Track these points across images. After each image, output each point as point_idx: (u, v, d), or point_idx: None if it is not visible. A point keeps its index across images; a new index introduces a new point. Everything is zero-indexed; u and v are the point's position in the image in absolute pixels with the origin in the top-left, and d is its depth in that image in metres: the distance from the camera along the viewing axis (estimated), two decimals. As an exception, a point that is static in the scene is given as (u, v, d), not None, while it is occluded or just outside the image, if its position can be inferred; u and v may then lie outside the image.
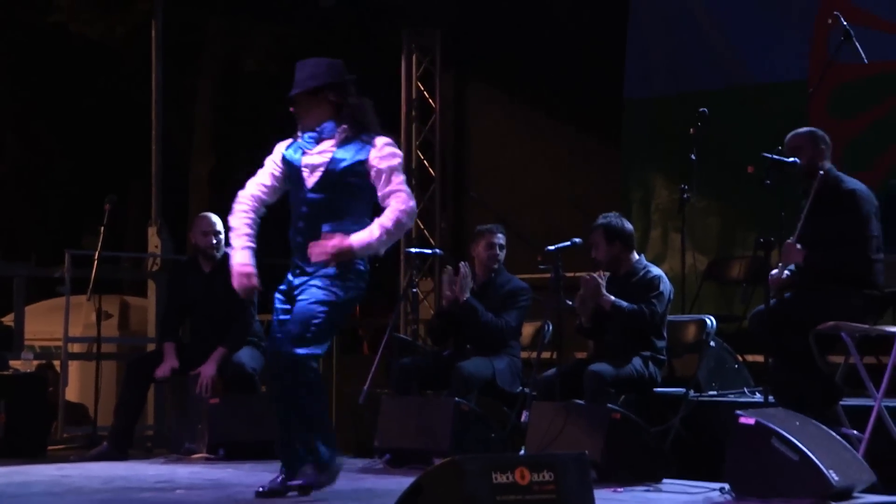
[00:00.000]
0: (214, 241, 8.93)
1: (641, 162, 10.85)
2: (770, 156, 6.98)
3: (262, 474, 6.74)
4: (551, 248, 7.80)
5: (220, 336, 8.78)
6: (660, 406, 7.80)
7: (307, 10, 12.92)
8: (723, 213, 10.22)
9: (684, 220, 9.34)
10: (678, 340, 8.06)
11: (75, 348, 11.72)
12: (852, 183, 7.14)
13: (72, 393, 11.32)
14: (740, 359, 8.36)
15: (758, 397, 7.64)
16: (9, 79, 18.47)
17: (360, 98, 6.42)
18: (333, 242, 6.14)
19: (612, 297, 7.71)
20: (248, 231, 6.40)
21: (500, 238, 8.60)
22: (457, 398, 7.97)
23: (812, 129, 7.34)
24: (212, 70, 16.43)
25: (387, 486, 6.63)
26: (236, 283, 6.36)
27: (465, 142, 12.51)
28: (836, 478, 5.95)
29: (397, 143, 6.51)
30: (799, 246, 7.02)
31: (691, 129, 9.17)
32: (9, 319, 11.31)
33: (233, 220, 6.46)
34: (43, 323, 12.35)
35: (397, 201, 6.21)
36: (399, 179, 6.27)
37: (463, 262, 8.54)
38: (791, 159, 7.00)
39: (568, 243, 7.81)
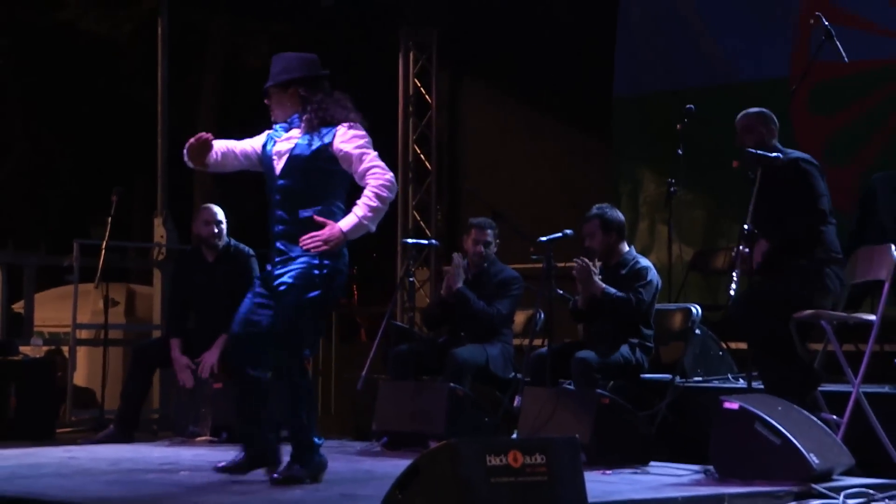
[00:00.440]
0: (216, 231, 8.94)
1: (630, 157, 10.91)
2: (754, 151, 7.04)
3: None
4: (543, 238, 7.83)
5: (224, 323, 8.80)
6: (647, 391, 7.83)
7: (308, 9, 12.96)
8: (708, 206, 10.27)
9: (671, 213, 9.36)
10: (665, 328, 8.09)
11: (83, 334, 11.77)
12: (794, 153, 7.21)
13: (80, 377, 11.39)
14: (724, 346, 8.39)
15: (741, 383, 7.71)
16: (15, 77, 18.45)
17: (332, 93, 6.41)
18: (325, 231, 6.14)
19: (603, 284, 7.75)
20: None
21: (489, 234, 8.63)
22: (451, 383, 8.05)
23: (761, 109, 7.38)
24: (215, 67, 16.48)
25: (384, 468, 6.67)
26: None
27: (460, 137, 12.57)
28: (817, 461, 6.06)
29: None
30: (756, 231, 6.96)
31: (678, 126, 9.20)
32: (19, 307, 11.48)
33: None
34: (52, 310, 12.47)
35: (374, 177, 6.20)
36: (371, 156, 6.24)
37: (456, 253, 8.65)
38: (773, 154, 7.06)
39: (559, 234, 7.80)
